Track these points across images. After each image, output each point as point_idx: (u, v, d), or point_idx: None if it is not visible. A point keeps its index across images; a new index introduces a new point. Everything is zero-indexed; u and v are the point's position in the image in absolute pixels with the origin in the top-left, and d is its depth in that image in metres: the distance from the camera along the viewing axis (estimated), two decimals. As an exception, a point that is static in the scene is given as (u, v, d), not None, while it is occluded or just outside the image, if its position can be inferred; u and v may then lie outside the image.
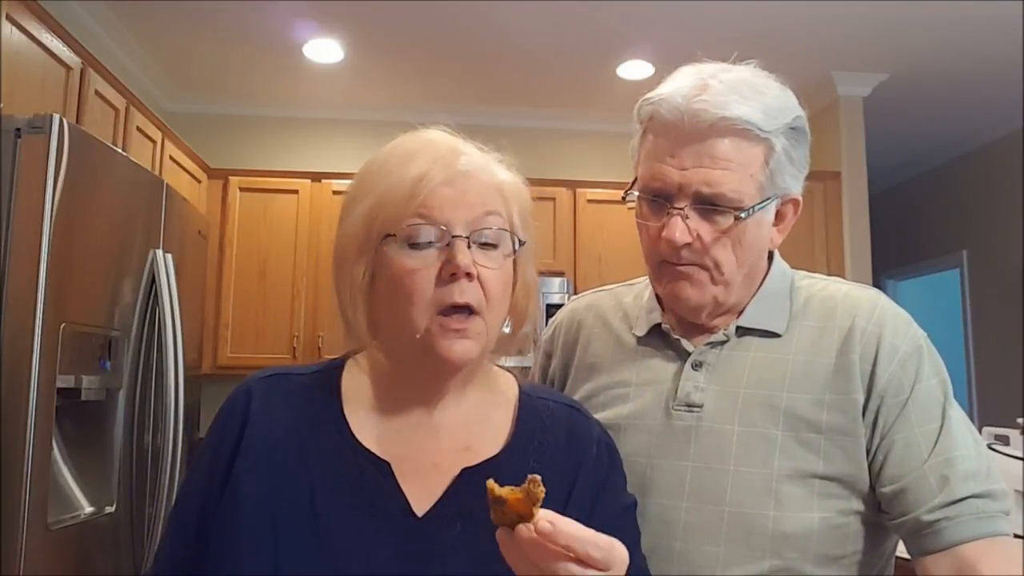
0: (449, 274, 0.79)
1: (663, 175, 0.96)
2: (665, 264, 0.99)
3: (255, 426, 0.84)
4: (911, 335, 0.99)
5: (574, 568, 0.65)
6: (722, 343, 1.02)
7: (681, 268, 0.98)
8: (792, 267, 1.10)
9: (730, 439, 0.96)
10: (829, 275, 1.11)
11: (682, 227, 0.95)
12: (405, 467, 0.83)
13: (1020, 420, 2.27)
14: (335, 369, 0.90)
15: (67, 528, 1.98)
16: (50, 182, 1.88)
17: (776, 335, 1.01)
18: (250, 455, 0.83)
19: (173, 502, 0.92)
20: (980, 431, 2.46)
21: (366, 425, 0.85)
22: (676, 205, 0.95)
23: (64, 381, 1.93)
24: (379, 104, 4.43)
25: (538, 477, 0.66)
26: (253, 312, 4.01)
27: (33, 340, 1.83)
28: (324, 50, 3.85)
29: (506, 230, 0.84)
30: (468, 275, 0.79)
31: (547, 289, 4.02)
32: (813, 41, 3.73)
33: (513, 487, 0.66)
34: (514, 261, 0.86)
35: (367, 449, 0.83)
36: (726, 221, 0.95)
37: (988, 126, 4.79)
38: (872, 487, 0.94)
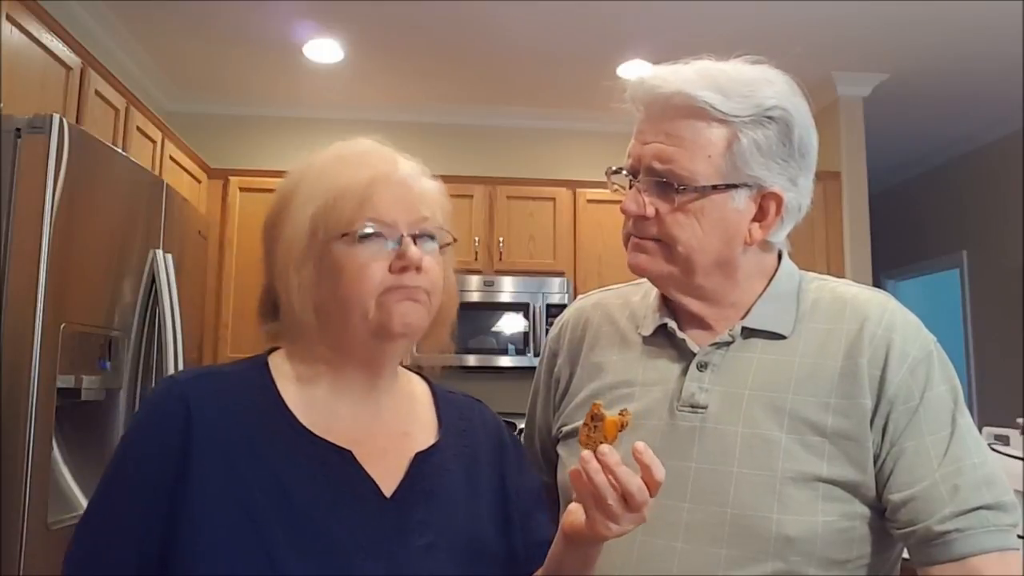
0: (400, 267, 0.86)
1: (632, 151, 1.01)
2: (631, 237, 1.02)
3: (201, 427, 0.83)
4: (921, 340, 0.98)
5: (616, 497, 0.77)
6: (727, 344, 1.02)
7: (638, 241, 1.01)
8: (794, 265, 1.09)
9: (734, 440, 0.96)
10: (829, 275, 1.11)
11: (638, 199, 0.98)
12: (362, 453, 0.87)
13: (1020, 420, 2.27)
14: (261, 365, 0.92)
15: (67, 528, 1.97)
16: (50, 182, 1.88)
17: (782, 337, 1.01)
18: (205, 456, 0.82)
19: (88, 515, 0.85)
20: (980, 431, 2.46)
21: (312, 417, 0.88)
22: (637, 179, 0.99)
23: (64, 381, 1.93)
24: (379, 104, 4.43)
25: (629, 409, 0.82)
26: (253, 312, 3.98)
27: (33, 340, 1.83)
28: (324, 50, 3.85)
29: (442, 228, 0.92)
30: (418, 268, 0.87)
31: (547, 289, 4.03)
32: (813, 41, 3.73)
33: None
34: (443, 259, 0.94)
35: (325, 440, 0.86)
36: (680, 197, 0.97)
37: (988, 126, 4.79)
38: (879, 493, 0.94)
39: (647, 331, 1.08)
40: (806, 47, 3.77)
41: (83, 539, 0.84)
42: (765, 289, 1.04)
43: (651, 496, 0.79)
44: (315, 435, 0.86)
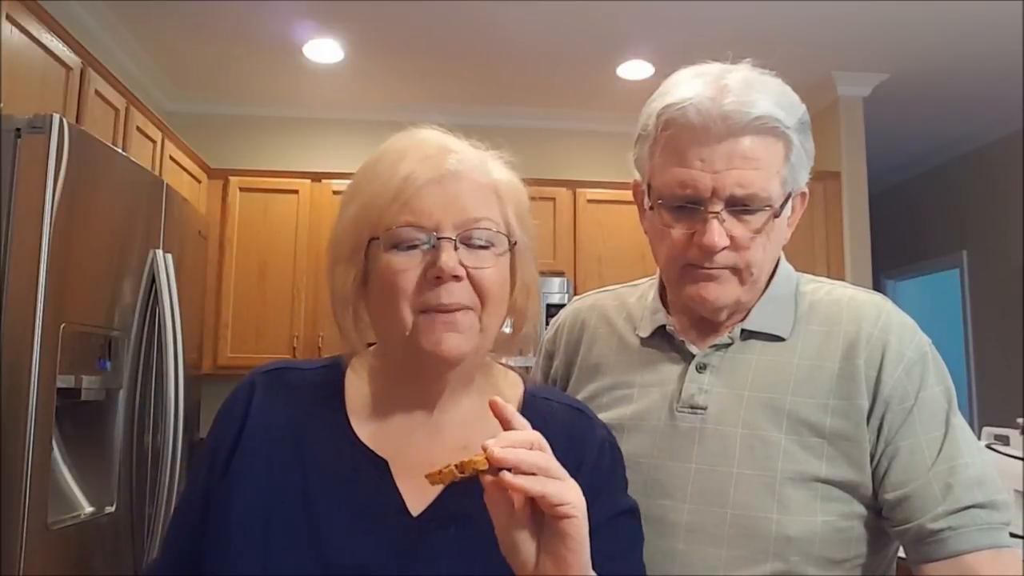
0: (434, 277, 0.78)
1: (694, 180, 0.94)
2: (690, 267, 0.98)
3: (255, 420, 0.84)
4: (917, 342, 0.99)
5: (544, 470, 0.67)
6: (727, 346, 1.02)
7: (710, 271, 0.97)
8: (791, 268, 1.10)
9: (734, 441, 0.96)
10: (829, 275, 1.12)
11: (720, 230, 0.94)
12: (402, 466, 0.82)
13: (1020, 420, 2.26)
14: (339, 367, 0.90)
15: (67, 528, 1.97)
16: (50, 182, 1.88)
17: (780, 339, 1.01)
18: (248, 449, 0.83)
19: (180, 496, 0.92)
20: (980, 431, 2.46)
21: (366, 423, 0.85)
22: (711, 209, 0.94)
23: (64, 381, 1.93)
24: (379, 104, 4.43)
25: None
26: (253, 312, 4.01)
27: (33, 340, 1.83)
28: (324, 50, 3.85)
29: (498, 231, 0.83)
30: (455, 277, 0.78)
31: (547, 289, 4.02)
32: (813, 41, 3.73)
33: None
34: (512, 260, 0.85)
35: (366, 446, 0.83)
36: (757, 220, 0.96)
37: (988, 126, 4.79)
38: (875, 492, 0.94)
39: (645, 332, 1.08)
40: (806, 47, 3.77)
41: (176, 505, 0.89)
42: (764, 291, 1.04)
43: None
44: (359, 441, 0.83)
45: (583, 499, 0.69)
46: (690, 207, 0.96)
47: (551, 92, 4.38)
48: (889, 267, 5.65)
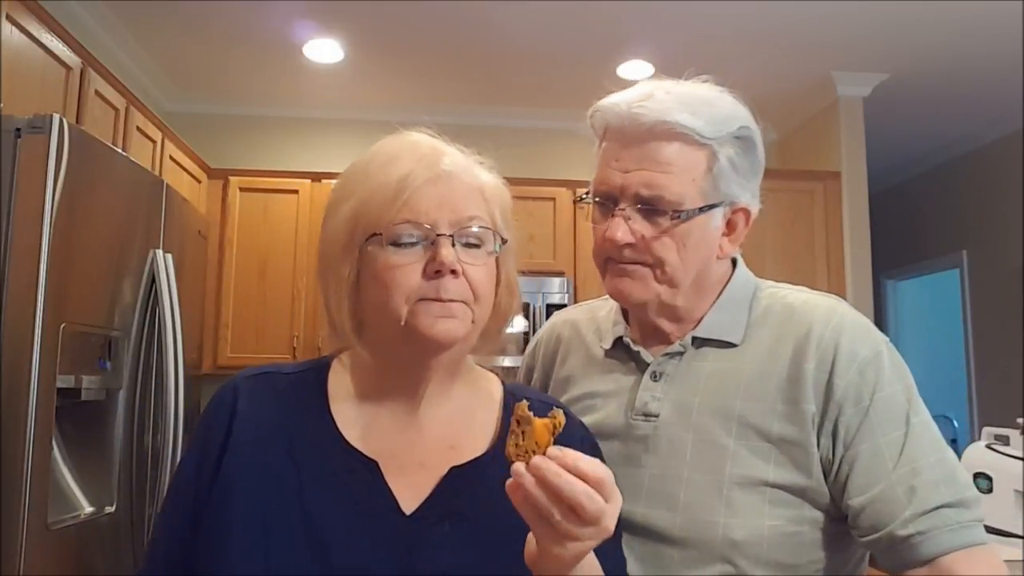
0: (434, 271, 0.80)
1: (608, 178, 1.01)
2: (610, 261, 1.02)
3: (242, 424, 0.85)
4: (870, 341, 0.98)
5: (566, 510, 0.67)
6: (680, 354, 1.04)
7: (624, 265, 1.01)
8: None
9: (684, 446, 0.98)
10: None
11: (624, 228, 0.98)
12: (392, 466, 0.84)
13: (1020, 420, 2.27)
14: (322, 368, 0.91)
15: (67, 528, 1.98)
16: (50, 182, 1.88)
17: (733, 345, 1.03)
18: (238, 452, 0.83)
19: (162, 502, 0.91)
20: (980, 431, 2.46)
21: (353, 423, 0.86)
22: (620, 207, 0.99)
23: (64, 381, 1.93)
24: (379, 104, 4.43)
25: (561, 411, 0.71)
26: (253, 312, 4.01)
27: (33, 340, 1.83)
28: (324, 50, 3.85)
29: (489, 229, 0.86)
30: (453, 272, 0.81)
31: (547, 289, 4.02)
32: (813, 41, 3.73)
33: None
34: (496, 260, 0.88)
35: (355, 448, 0.84)
36: (666, 222, 0.98)
37: (988, 126, 4.79)
38: (832, 498, 0.94)
39: (607, 344, 1.11)
40: (806, 47, 3.77)
41: (161, 511, 0.88)
42: (718, 298, 1.06)
43: (607, 500, 0.68)
44: (347, 443, 0.84)
45: (580, 549, 0.69)
46: (607, 203, 1.01)
47: (551, 92, 4.38)
48: (889, 267, 5.65)
